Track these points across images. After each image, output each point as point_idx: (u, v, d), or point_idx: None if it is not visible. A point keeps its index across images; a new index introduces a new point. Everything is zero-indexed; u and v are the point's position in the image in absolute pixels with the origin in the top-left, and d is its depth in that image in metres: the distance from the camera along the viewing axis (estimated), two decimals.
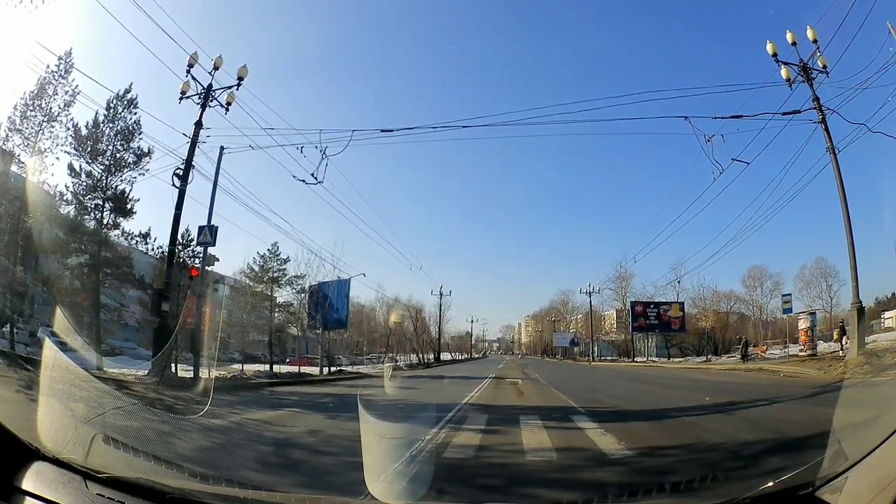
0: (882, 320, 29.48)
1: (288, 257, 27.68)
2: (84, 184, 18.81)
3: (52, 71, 17.48)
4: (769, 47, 17.74)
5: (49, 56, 20.00)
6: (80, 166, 18.71)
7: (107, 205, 19.08)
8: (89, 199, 18.96)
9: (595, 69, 69.48)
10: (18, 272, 17.05)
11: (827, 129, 17.04)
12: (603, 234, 71.01)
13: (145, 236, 20.02)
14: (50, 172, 18.09)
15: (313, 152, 18.62)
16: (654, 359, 37.48)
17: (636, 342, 40.88)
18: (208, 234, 16.89)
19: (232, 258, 50.47)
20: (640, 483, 4.36)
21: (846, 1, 15.84)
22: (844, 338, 20.67)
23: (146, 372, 14.66)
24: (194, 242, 19.45)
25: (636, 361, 37.62)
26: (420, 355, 44.65)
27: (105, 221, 19.15)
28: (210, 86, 17.17)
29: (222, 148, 17.91)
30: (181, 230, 18.41)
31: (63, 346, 8.97)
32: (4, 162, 16.86)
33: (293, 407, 11.56)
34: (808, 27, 16.99)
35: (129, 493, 2.26)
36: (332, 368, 27.34)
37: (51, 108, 17.74)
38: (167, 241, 17.20)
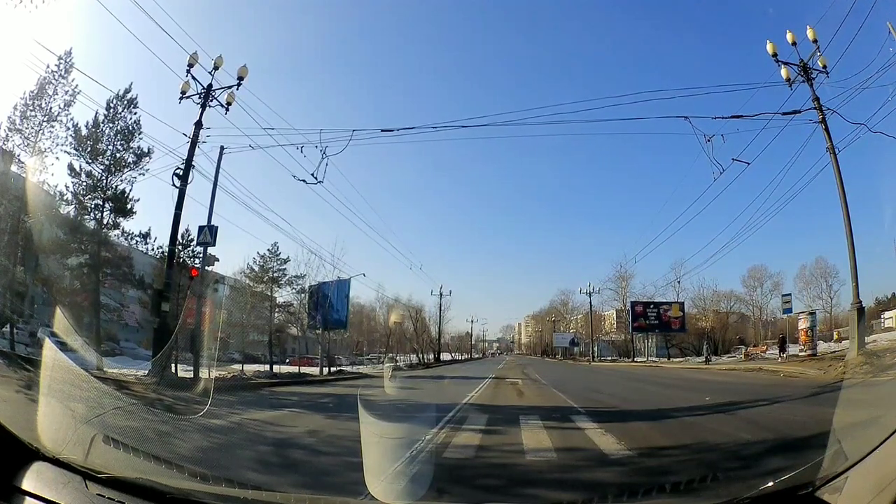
0: (882, 320, 29.43)
1: (288, 257, 27.71)
2: (84, 184, 18.81)
3: (52, 71, 17.46)
4: (769, 47, 17.72)
5: (49, 56, 19.94)
6: (80, 166, 18.73)
7: (107, 205, 19.07)
8: (89, 199, 18.95)
9: (595, 69, 69.56)
10: (18, 272, 17.03)
11: (827, 129, 17.02)
12: (603, 234, 71.26)
13: (145, 236, 20.05)
14: (50, 172, 18.08)
15: (313, 152, 18.60)
16: (654, 359, 37.48)
17: (636, 342, 40.89)
18: (208, 234, 16.88)
19: (232, 258, 50.33)
20: (640, 483, 4.35)
21: (846, 1, 15.84)
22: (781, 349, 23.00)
23: (146, 372, 14.65)
24: (194, 242, 19.41)
25: (636, 361, 37.61)
26: (420, 355, 44.67)
27: (105, 221, 19.14)
28: (210, 86, 17.13)
29: (222, 148, 17.92)
30: (181, 230, 18.37)
31: (63, 346, 9.00)
32: (4, 162, 16.85)
33: (293, 407, 11.55)
34: (808, 27, 16.95)
35: (129, 493, 2.26)
36: (332, 369, 27.33)
37: (51, 108, 17.73)
38: (167, 241, 17.19)
